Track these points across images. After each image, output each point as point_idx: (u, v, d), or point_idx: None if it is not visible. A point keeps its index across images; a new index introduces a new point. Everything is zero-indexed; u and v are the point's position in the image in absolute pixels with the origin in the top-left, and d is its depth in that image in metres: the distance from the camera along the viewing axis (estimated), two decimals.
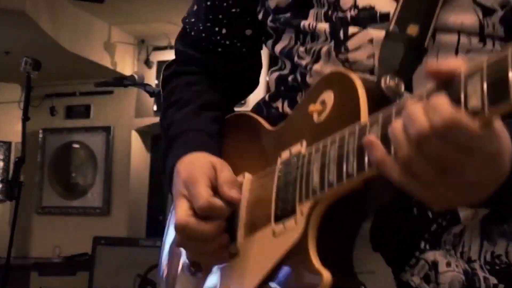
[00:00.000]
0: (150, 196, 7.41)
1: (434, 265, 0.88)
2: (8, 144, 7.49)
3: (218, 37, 1.15)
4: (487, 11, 0.88)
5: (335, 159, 0.77)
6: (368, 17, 0.90)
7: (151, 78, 6.91)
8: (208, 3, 1.14)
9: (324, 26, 0.95)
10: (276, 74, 1.10)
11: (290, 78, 1.04)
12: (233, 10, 1.12)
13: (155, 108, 6.97)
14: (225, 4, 1.12)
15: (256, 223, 0.92)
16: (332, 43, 0.93)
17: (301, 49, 1.00)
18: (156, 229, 7.19)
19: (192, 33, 1.17)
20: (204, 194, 0.92)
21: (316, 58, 0.97)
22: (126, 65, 7.01)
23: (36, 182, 7.35)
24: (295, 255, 0.83)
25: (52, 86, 7.33)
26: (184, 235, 0.94)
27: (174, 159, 1.02)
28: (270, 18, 1.05)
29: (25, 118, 3.65)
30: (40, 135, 7.44)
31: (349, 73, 0.84)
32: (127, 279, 4.34)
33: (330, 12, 0.94)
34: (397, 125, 0.67)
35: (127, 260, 4.51)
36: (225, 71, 1.20)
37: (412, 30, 0.86)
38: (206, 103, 1.13)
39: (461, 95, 0.63)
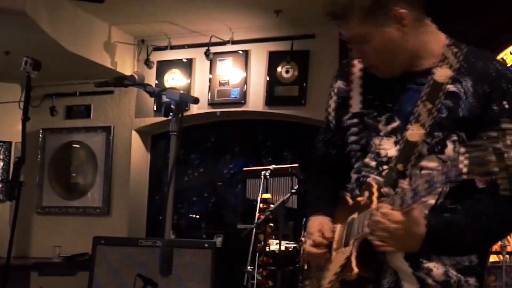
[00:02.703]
0: (150, 196, 7.42)
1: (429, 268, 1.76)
2: (8, 144, 7.49)
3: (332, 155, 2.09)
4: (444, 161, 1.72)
5: (360, 223, 1.77)
6: (388, 161, 1.82)
7: (151, 78, 6.92)
8: (326, 138, 2.09)
9: (373, 163, 1.86)
10: (354, 176, 1.94)
11: (359, 181, 1.92)
12: (338, 142, 2.02)
13: (155, 108, 6.98)
14: (334, 140, 2.05)
15: (338, 246, 1.88)
16: (376, 171, 1.84)
17: (363, 169, 1.88)
18: (156, 229, 7.19)
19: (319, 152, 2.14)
20: (315, 237, 1.93)
21: (369, 174, 1.87)
22: (126, 65, 7.01)
23: (36, 182, 7.35)
24: (346, 261, 1.78)
25: (52, 86, 7.34)
26: (306, 253, 1.97)
27: (308, 216, 2.02)
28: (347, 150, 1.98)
29: (25, 118, 3.64)
30: (40, 135, 7.44)
31: (372, 181, 1.81)
32: (127, 279, 4.34)
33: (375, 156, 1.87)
34: (375, 219, 1.67)
35: (127, 260, 4.50)
36: (336, 171, 2.07)
37: (400, 166, 1.76)
38: (329, 191, 2.05)
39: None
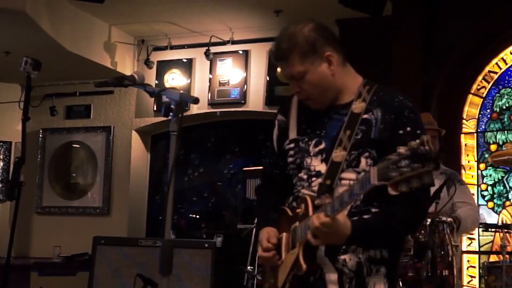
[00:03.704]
0: (150, 196, 7.42)
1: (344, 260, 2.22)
2: (8, 144, 7.49)
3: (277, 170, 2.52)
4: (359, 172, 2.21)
5: (302, 229, 2.19)
6: (316, 174, 2.29)
7: (151, 78, 6.92)
8: (271, 161, 2.56)
9: (305, 176, 2.33)
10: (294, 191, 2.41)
11: (295, 195, 2.41)
12: (281, 163, 2.47)
13: (155, 108, 6.98)
14: (277, 162, 2.51)
15: (287, 250, 2.30)
16: (307, 183, 2.32)
17: (298, 183, 2.36)
18: (156, 229, 7.19)
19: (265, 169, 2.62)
20: (264, 244, 2.34)
21: (302, 187, 2.34)
22: (126, 65, 7.01)
23: (36, 182, 7.36)
24: (296, 260, 2.21)
25: (52, 86, 7.34)
26: (260, 258, 2.40)
27: (259, 230, 2.44)
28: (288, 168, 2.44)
29: (25, 118, 3.64)
30: (40, 135, 7.44)
31: (305, 195, 2.27)
32: (127, 279, 4.34)
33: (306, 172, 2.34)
34: (311, 221, 2.11)
35: (127, 260, 4.51)
36: (280, 188, 2.50)
37: (328, 182, 2.22)
38: (273, 204, 2.49)
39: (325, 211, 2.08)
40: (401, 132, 2.18)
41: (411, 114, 2.22)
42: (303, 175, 2.32)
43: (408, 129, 2.19)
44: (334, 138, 2.26)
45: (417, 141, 1.78)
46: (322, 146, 2.29)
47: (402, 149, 1.80)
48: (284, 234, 2.33)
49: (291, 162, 2.38)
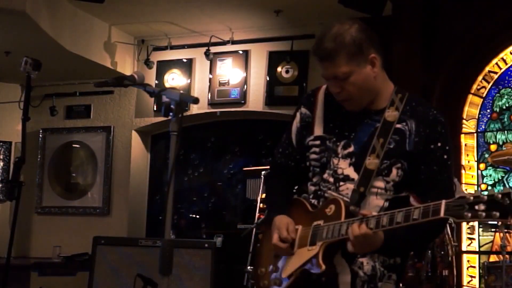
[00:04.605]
0: (150, 196, 7.42)
1: (361, 263, 2.25)
2: (8, 144, 7.49)
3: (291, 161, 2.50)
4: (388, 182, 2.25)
5: (331, 231, 2.18)
6: (344, 178, 2.30)
7: (151, 78, 6.92)
8: (286, 151, 2.51)
9: (331, 179, 2.31)
10: (312, 188, 2.39)
11: (317, 193, 2.37)
12: (297, 156, 2.46)
13: (155, 108, 6.98)
14: (294, 154, 2.48)
15: (301, 244, 2.28)
16: (334, 186, 2.30)
17: (322, 183, 2.33)
18: (156, 229, 7.19)
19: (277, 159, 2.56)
20: (283, 233, 2.29)
21: (328, 189, 2.31)
22: (126, 65, 7.01)
23: (36, 182, 7.35)
24: (313, 258, 2.21)
25: (52, 86, 7.34)
26: (275, 246, 2.33)
27: (274, 215, 2.39)
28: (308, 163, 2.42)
29: (25, 118, 3.64)
30: (40, 135, 7.44)
31: (339, 198, 2.24)
32: (127, 279, 4.34)
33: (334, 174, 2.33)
34: (352, 229, 2.11)
35: (127, 260, 4.51)
36: (291, 179, 2.51)
37: (361, 189, 2.22)
38: (286, 194, 2.49)
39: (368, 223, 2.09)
40: (432, 147, 2.22)
41: (443, 130, 2.25)
42: (328, 176, 2.30)
43: (439, 144, 2.22)
44: (364, 143, 2.26)
45: (502, 191, 1.83)
46: (351, 149, 2.29)
47: (478, 193, 1.86)
48: (300, 227, 2.31)
49: (314, 159, 2.35)
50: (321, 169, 2.32)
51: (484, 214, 1.82)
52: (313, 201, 2.34)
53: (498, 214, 1.80)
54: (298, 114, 2.49)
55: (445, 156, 2.22)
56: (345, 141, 2.30)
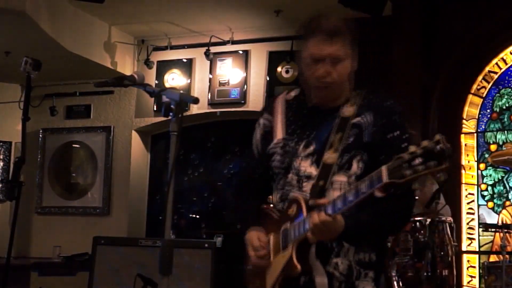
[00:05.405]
0: (150, 196, 7.41)
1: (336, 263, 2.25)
2: (8, 144, 7.49)
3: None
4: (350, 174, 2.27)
5: (297, 229, 2.19)
6: (307, 176, 2.30)
7: (151, 78, 6.92)
8: (251, 164, 2.56)
9: (294, 178, 2.32)
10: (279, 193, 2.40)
11: (282, 197, 2.40)
12: (263, 165, 2.44)
13: (155, 108, 6.98)
14: (257, 166, 2.50)
15: (276, 252, 2.31)
16: (297, 186, 2.32)
17: (286, 186, 2.35)
18: (156, 229, 7.19)
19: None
20: (255, 243, 2.37)
21: (291, 191, 2.34)
22: (126, 65, 7.01)
23: (36, 182, 7.35)
24: (289, 261, 2.21)
25: (52, 86, 7.33)
26: (254, 266, 2.43)
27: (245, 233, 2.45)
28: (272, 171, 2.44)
29: (25, 118, 3.64)
30: (40, 135, 7.44)
31: (298, 196, 2.25)
32: (127, 279, 4.34)
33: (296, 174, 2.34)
34: (312, 218, 2.12)
35: (127, 260, 4.50)
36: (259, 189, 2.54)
37: (321, 183, 2.22)
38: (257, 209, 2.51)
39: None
40: (390, 136, 2.25)
41: (399, 119, 2.29)
42: (291, 177, 2.32)
43: (397, 133, 2.25)
44: (324, 140, 2.28)
45: (433, 139, 1.80)
46: (312, 148, 2.31)
47: (413, 148, 1.83)
48: (272, 237, 2.33)
49: (277, 164, 2.37)
50: (284, 172, 2.34)
51: (421, 167, 1.80)
52: (280, 205, 2.36)
53: (435, 163, 1.79)
54: (260, 122, 2.51)
55: (404, 145, 2.20)
56: (305, 141, 2.32)
